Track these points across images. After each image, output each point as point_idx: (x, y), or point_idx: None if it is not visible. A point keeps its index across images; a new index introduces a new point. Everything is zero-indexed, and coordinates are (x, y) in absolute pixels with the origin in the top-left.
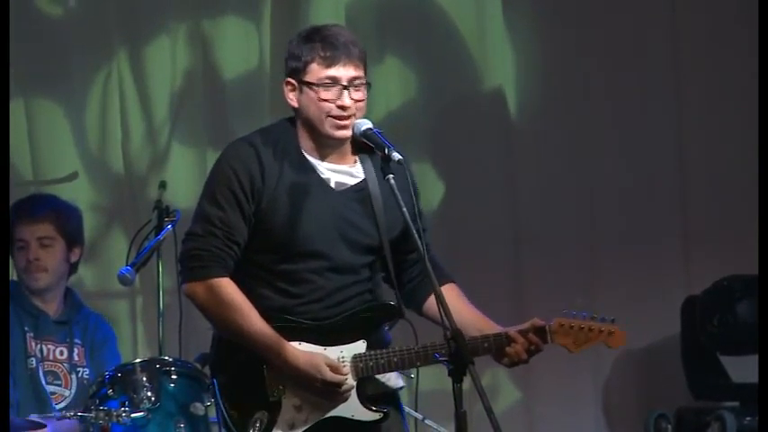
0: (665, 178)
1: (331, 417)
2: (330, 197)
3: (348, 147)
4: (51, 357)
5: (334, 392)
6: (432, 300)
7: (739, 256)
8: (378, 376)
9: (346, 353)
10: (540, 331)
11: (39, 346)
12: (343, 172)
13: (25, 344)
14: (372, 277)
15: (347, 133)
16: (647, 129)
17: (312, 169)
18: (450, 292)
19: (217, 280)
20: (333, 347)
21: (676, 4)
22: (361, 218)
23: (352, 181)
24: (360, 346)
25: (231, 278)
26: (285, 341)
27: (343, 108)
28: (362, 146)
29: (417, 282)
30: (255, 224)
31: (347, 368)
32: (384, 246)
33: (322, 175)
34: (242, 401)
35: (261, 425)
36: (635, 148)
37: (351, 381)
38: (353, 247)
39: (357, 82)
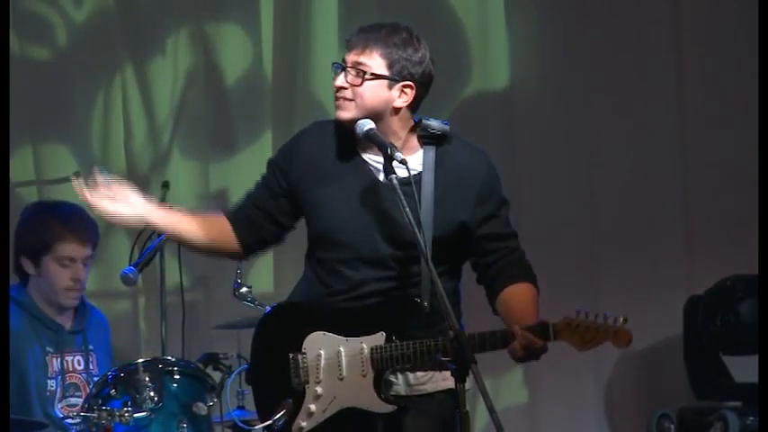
0: (666, 178)
1: (348, 407)
2: (374, 188)
3: (409, 139)
4: (71, 369)
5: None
6: (500, 298)
7: (742, 255)
8: (407, 373)
9: (366, 344)
10: (542, 328)
11: (59, 360)
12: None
13: (46, 365)
14: (409, 272)
15: (343, 114)
16: (648, 128)
17: (361, 161)
18: (517, 291)
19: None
20: (354, 338)
21: (679, 3)
22: (397, 209)
23: (403, 173)
24: (379, 338)
25: (235, 224)
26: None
27: (336, 89)
28: (429, 137)
29: (490, 278)
30: (301, 210)
31: (365, 361)
32: (421, 238)
33: (370, 167)
34: (271, 387)
35: (286, 411)
36: (637, 147)
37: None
38: (387, 239)
39: (356, 66)
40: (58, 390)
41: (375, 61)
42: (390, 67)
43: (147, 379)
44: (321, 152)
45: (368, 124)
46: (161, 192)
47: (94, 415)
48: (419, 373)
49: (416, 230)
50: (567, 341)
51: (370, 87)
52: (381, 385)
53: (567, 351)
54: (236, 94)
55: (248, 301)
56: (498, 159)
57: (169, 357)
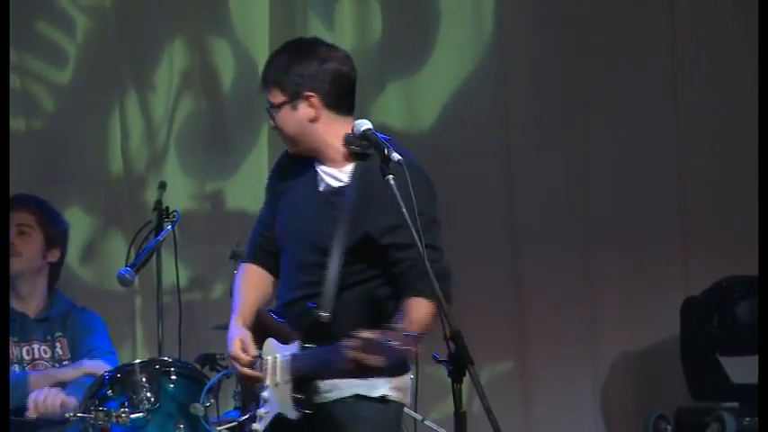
0: (663, 179)
1: (278, 413)
2: (313, 197)
3: (341, 152)
4: (38, 356)
5: (237, 365)
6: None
7: (738, 256)
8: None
9: (288, 352)
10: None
11: (24, 349)
12: (332, 175)
13: (6, 352)
14: (324, 279)
15: (289, 150)
16: (646, 129)
17: (314, 173)
18: (406, 306)
19: (242, 265)
20: (285, 346)
21: (675, 3)
22: (323, 219)
23: (336, 183)
24: (295, 346)
25: (259, 262)
26: (236, 316)
27: None
28: (359, 151)
29: (399, 293)
30: None
31: (286, 368)
32: (335, 247)
33: (317, 177)
34: (246, 390)
35: (256, 405)
36: (634, 148)
37: (256, 370)
38: (308, 246)
39: (268, 106)
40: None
41: (273, 94)
42: (284, 91)
43: (143, 379)
44: (289, 167)
45: (365, 124)
46: (158, 192)
47: (91, 416)
48: (326, 381)
49: (410, 223)
50: None
51: (281, 118)
52: (296, 392)
53: (565, 351)
54: (231, 94)
55: None
56: (494, 161)
57: (166, 358)
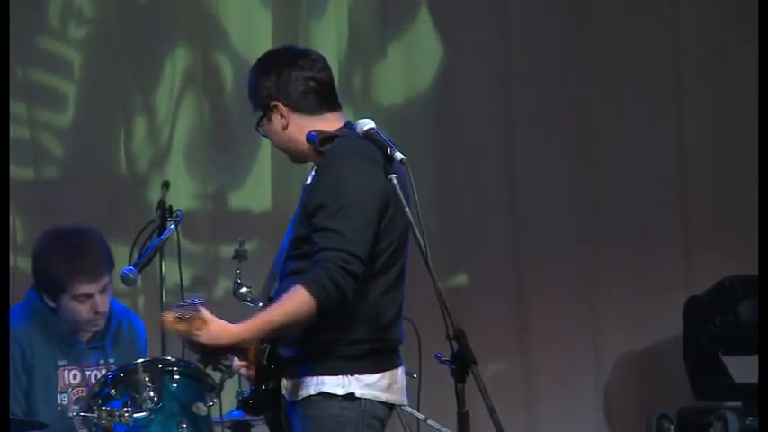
0: (666, 177)
1: None
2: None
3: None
4: (89, 383)
5: None
6: None
7: (741, 255)
8: None
9: None
10: None
11: (72, 373)
12: (311, 174)
13: (57, 379)
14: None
15: (293, 161)
16: (648, 127)
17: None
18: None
19: None
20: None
21: (678, 3)
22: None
23: (308, 181)
24: None
25: None
26: None
27: None
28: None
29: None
30: None
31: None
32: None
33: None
34: None
35: None
36: (636, 146)
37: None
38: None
39: (256, 127)
40: (70, 405)
41: (254, 112)
42: (258, 107)
43: (146, 379)
44: None
45: (367, 124)
46: (161, 191)
47: (94, 415)
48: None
49: (413, 222)
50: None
51: (266, 132)
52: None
53: (567, 351)
54: (234, 93)
55: (248, 302)
56: (498, 160)
57: (169, 357)
